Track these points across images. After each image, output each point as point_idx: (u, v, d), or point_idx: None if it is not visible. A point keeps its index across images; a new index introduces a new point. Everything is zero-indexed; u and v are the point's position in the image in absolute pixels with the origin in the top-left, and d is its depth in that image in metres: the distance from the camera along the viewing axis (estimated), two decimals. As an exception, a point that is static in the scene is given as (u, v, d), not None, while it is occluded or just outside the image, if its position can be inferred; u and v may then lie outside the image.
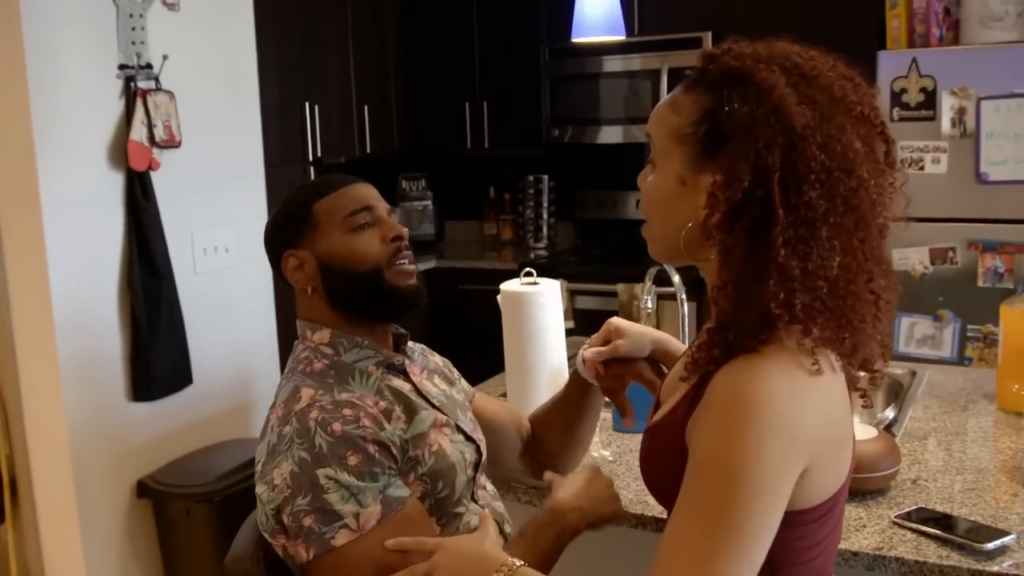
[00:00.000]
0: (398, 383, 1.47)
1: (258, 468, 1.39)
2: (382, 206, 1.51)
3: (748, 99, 1.02)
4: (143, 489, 2.91)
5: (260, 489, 1.35)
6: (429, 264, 4.55)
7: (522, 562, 1.24)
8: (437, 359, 1.68)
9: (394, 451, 1.36)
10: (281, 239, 1.51)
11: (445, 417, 1.49)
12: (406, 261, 1.49)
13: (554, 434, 1.71)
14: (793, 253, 0.99)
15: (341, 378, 1.43)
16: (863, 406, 1.15)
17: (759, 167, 0.99)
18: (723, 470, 1.00)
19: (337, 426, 1.32)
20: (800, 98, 1.01)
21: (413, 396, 1.47)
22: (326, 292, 1.48)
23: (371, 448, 1.32)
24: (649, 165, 1.16)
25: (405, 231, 1.50)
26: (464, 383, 1.72)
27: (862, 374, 1.14)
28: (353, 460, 1.30)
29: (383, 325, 1.52)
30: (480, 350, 2.49)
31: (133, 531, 2.95)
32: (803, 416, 1.01)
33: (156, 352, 2.92)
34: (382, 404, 1.40)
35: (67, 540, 2.81)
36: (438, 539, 1.34)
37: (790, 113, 0.99)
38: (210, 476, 2.86)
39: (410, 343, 1.61)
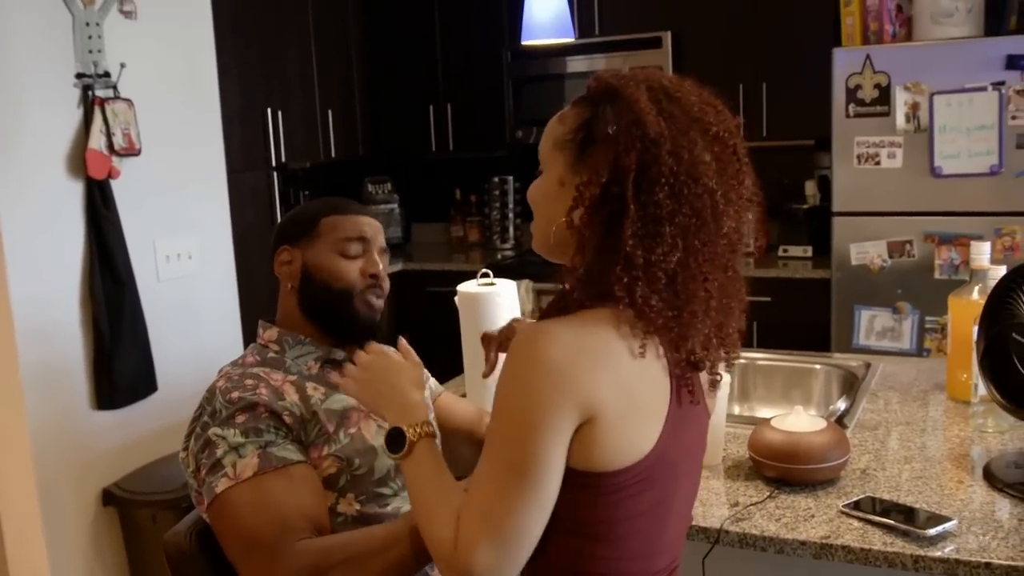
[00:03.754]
0: (336, 377, 1.57)
1: None
2: (378, 244, 1.66)
3: (616, 111, 1.16)
4: (108, 497, 2.91)
5: (181, 454, 1.52)
6: (396, 267, 4.56)
7: (433, 432, 1.31)
8: None
9: (287, 419, 1.46)
10: (284, 234, 1.66)
11: None
12: (375, 297, 1.63)
13: None
14: (639, 244, 1.11)
15: (265, 367, 1.57)
16: (691, 402, 1.21)
17: (617, 168, 1.13)
18: (500, 408, 1.12)
19: (235, 394, 1.47)
20: (659, 111, 1.15)
21: (341, 393, 1.55)
22: (300, 295, 1.63)
23: (260, 410, 1.46)
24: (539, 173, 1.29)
25: (384, 273, 1.65)
26: (432, 383, 1.85)
27: (709, 375, 1.28)
28: (240, 419, 1.45)
29: (330, 337, 1.64)
30: (448, 351, 2.51)
31: (99, 539, 2.94)
32: (580, 370, 1.09)
33: (120, 360, 2.92)
34: (291, 378, 1.53)
35: (32, 550, 2.80)
36: (381, 349, 1.48)
37: (647, 123, 1.13)
38: (176, 483, 2.85)
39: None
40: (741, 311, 1.24)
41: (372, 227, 1.65)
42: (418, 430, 1.28)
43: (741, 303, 1.23)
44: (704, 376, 1.27)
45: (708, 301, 1.16)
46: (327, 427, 1.50)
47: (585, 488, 1.13)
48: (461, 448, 1.79)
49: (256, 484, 1.40)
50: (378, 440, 1.53)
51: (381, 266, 1.64)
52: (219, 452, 1.43)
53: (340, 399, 1.55)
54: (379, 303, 1.64)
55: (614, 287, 1.12)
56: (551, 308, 1.20)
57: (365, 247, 1.64)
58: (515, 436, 1.10)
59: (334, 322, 1.62)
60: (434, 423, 1.68)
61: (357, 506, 1.51)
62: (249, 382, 1.50)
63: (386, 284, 1.65)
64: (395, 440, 1.29)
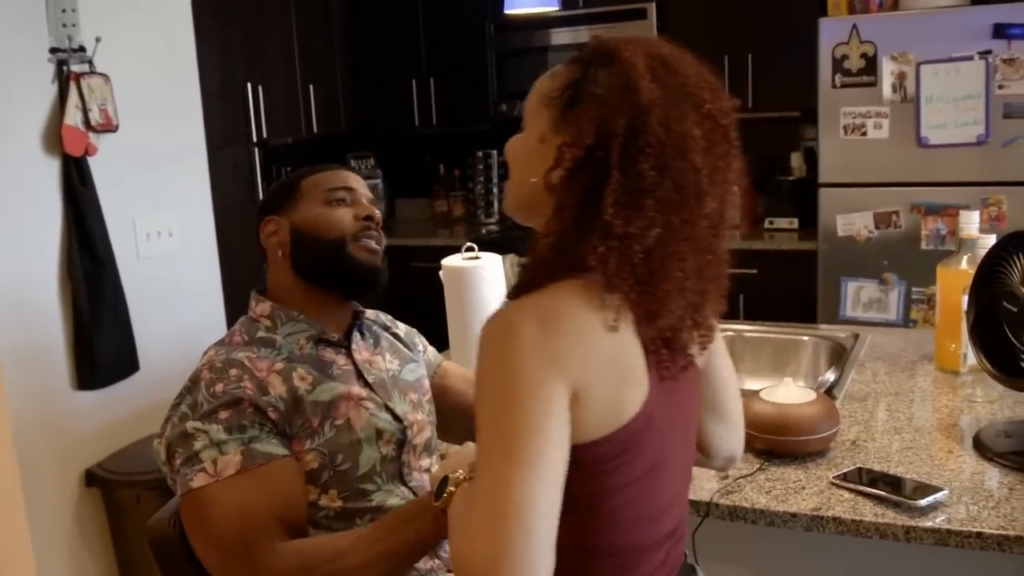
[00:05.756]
0: (330, 356, 1.53)
1: None
2: (364, 192, 1.60)
3: (610, 72, 1.12)
4: (91, 478, 2.88)
5: (155, 442, 1.46)
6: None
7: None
8: (400, 330, 1.75)
9: (272, 414, 1.41)
10: (266, 208, 1.60)
11: (366, 392, 1.52)
12: (372, 240, 1.56)
13: None
14: (618, 214, 1.07)
15: (252, 349, 1.50)
16: (666, 378, 1.16)
17: (604, 131, 1.08)
18: (483, 395, 1.07)
19: (219, 387, 1.41)
20: (653, 79, 1.10)
21: (331, 370, 1.51)
22: (292, 258, 1.55)
23: (244, 406, 1.40)
24: (521, 128, 1.24)
25: (378, 214, 1.58)
26: (431, 353, 1.79)
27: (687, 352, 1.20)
28: (223, 415, 1.39)
29: (339, 303, 1.58)
30: (433, 327, 2.48)
31: (82, 520, 2.92)
32: (555, 340, 1.05)
33: (100, 339, 2.88)
34: (278, 365, 1.46)
35: (15, 532, 2.76)
36: None
37: (639, 88, 1.09)
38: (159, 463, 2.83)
39: (373, 313, 1.68)
40: (720, 295, 1.19)
41: (355, 179, 1.60)
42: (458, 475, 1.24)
43: (720, 288, 1.19)
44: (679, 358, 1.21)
45: (683, 282, 1.11)
46: (311, 420, 1.44)
47: (572, 462, 1.08)
48: (459, 420, 1.71)
49: (236, 483, 1.35)
50: (368, 430, 1.48)
51: (375, 210, 1.58)
52: (197, 445, 1.37)
53: (329, 388, 1.47)
54: (377, 246, 1.56)
55: (588, 257, 1.08)
56: (519, 284, 1.15)
57: (353, 196, 1.57)
58: (503, 416, 1.03)
59: (334, 275, 1.54)
60: (427, 401, 1.65)
61: (340, 502, 1.46)
62: (234, 372, 1.42)
63: (382, 233, 1.58)
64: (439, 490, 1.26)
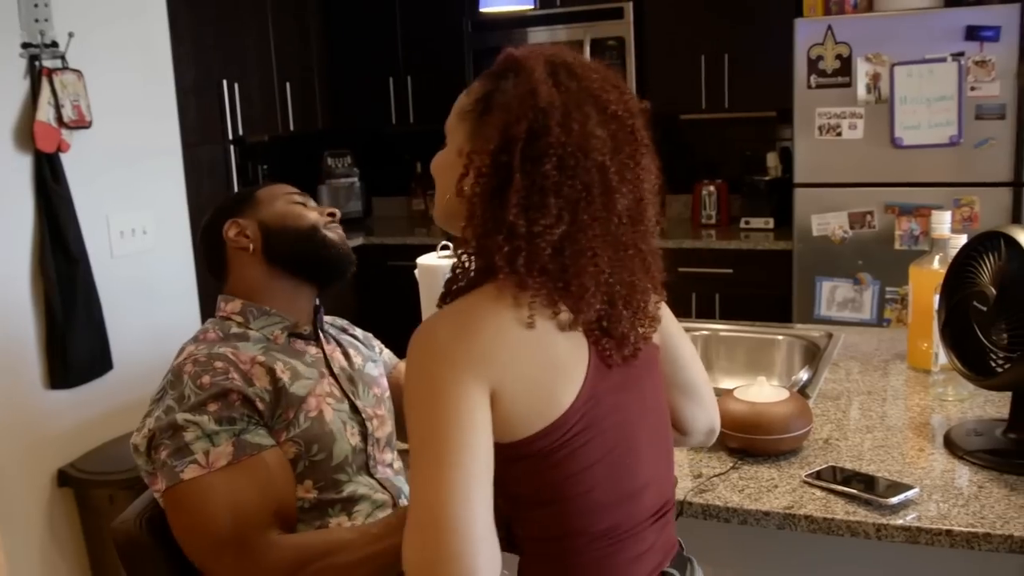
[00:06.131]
0: (301, 347, 1.57)
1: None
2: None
3: (515, 82, 1.16)
4: (64, 478, 2.86)
5: (134, 438, 1.44)
6: (357, 241, 4.51)
7: None
8: (358, 333, 1.78)
9: (259, 406, 1.43)
10: (223, 214, 1.63)
11: (333, 388, 1.55)
12: (339, 228, 1.65)
13: None
14: (522, 214, 1.11)
15: (230, 344, 1.51)
16: (611, 364, 1.19)
17: (507, 136, 1.13)
18: (409, 402, 1.10)
19: (206, 379, 1.41)
20: (554, 83, 1.15)
21: (305, 362, 1.54)
22: (265, 250, 1.58)
23: (233, 397, 1.41)
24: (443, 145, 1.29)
25: (339, 213, 1.68)
26: (387, 354, 1.83)
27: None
28: (213, 407, 1.39)
29: (307, 290, 1.62)
30: (409, 325, 2.46)
31: (54, 521, 2.89)
32: (469, 343, 1.09)
33: (73, 338, 2.85)
34: (260, 357, 1.48)
35: (-14, 533, 2.74)
36: None
37: (538, 92, 1.13)
38: (133, 462, 2.79)
39: (330, 318, 1.72)
40: (654, 286, 1.23)
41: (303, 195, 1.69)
42: None
43: (651, 278, 1.23)
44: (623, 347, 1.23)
45: (598, 276, 1.15)
46: (288, 412, 1.46)
47: (521, 459, 1.13)
48: None
49: (228, 474, 1.36)
50: (335, 423, 1.51)
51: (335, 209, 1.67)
52: (188, 436, 1.37)
53: (304, 384, 1.50)
54: (343, 234, 1.65)
55: (495, 256, 1.12)
56: (444, 293, 1.20)
57: (308, 203, 1.66)
58: (429, 421, 1.07)
59: (310, 259, 1.60)
60: (387, 398, 1.68)
61: (315, 493, 1.48)
62: (219, 365, 1.43)
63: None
64: None
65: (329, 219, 1.64)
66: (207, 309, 3.43)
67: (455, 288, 1.19)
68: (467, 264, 1.18)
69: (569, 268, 1.13)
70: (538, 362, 1.12)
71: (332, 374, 1.58)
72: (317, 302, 1.66)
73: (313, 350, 1.59)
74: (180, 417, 1.38)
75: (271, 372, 1.47)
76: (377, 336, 1.87)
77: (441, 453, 1.05)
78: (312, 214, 1.62)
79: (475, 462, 1.06)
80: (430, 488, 1.04)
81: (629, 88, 1.22)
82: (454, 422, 1.06)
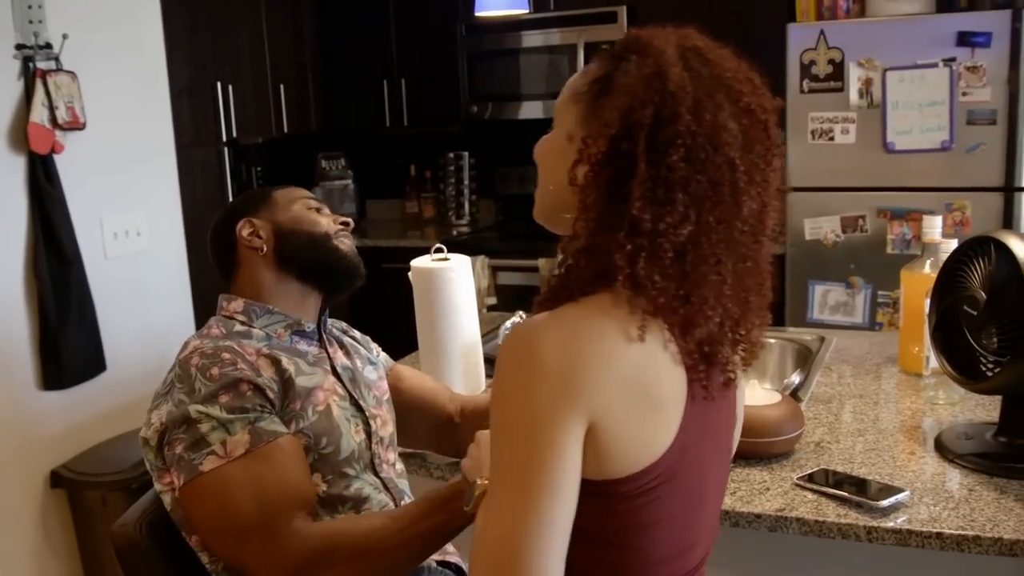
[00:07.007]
0: (304, 346, 1.57)
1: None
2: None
3: (639, 62, 1.05)
4: (57, 479, 2.86)
5: (143, 432, 1.43)
6: (350, 244, 4.50)
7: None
8: (356, 335, 1.78)
9: (270, 395, 1.42)
10: (238, 212, 1.62)
11: (336, 386, 1.55)
12: (350, 238, 1.66)
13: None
14: (647, 208, 1.00)
15: (234, 340, 1.51)
16: (704, 398, 1.08)
17: (630, 121, 1.01)
18: (500, 418, 1.01)
19: (215, 370, 1.41)
20: (685, 66, 1.04)
21: (308, 361, 1.53)
22: (276, 251, 1.58)
23: (244, 387, 1.40)
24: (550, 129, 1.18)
25: (351, 223, 1.68)
26: (383, 357, 1.82)
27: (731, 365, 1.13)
28: (225, 398, 1.39)
29: (314, 297, 1.62)
30: (403, 328, 2.47)
31: (47, 522, 2.89)
32: (574, 366, 0.98)
33: (67, 339, 2.85)
34: (265, 350, 1.48)
35: (-22, 534, 2.74)
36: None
37: (668, 75, 1.02)
38: (126, 464, 2.81)
39: (330, 321, 1.71)
40: (762, 307, 1.11)
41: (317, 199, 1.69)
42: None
43: (762, 298, 1.10)
44: (718, 375, 1.12)
45: (720, 287, 1.03)
46: (295, 403, 1.46)
47: (600, 496, 1.02)
48: (415, 420, 1.76)
49: (248, 463, 1.35)
50: (340, 419, 1.51)
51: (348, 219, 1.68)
52: (204, 428, 1.36)
53: (310, 377, 1.50)
54: (353, 244, 1.65)
55: (615, 255, 1.00)
56: (549, 293, 1.08)
57: (323, 209, 1.67)
58: (520, 451, 0.98)
59: (321, 266, 1.60)
60: (386, 400, 1.67)
61: (324, 486, 1.48)
62: (226, 356, 1.43)
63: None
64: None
65: (342, 228, 1.64)
66: (200, 311, 3.43)
67: (562, 288, 1.06)
68: (581, 263, 1.05)
69: (689, 275, 1.02)
70: (640, 393, 1.01)
71: (335, 373, 1.58)
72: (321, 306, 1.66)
73: (315, 349, 1.59)
74: (193, 409, 1.37)
75: (276, 363, 1.46)
76: (368, 337, 1.86)
77: (528, 488, 0.97)
78: (325, 220, 1.63)
79: (561, 509, 0.98)
80: (506, 525, 0.97)
81: (764, 83, 1.11)
82: (548, 459, 0.97)
